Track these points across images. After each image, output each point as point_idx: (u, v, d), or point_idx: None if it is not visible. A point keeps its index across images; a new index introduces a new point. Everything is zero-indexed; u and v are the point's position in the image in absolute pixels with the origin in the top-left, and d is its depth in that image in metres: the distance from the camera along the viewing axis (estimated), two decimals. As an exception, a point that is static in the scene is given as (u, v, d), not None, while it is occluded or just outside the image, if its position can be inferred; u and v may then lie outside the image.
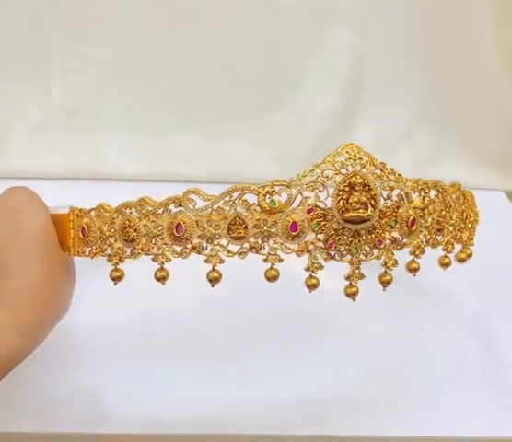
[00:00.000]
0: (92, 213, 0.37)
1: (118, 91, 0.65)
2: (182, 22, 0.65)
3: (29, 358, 0.37)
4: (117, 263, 0.36)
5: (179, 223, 0.34)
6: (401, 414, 0.46)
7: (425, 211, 0.37)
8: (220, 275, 0.35)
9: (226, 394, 0.46)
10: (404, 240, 0.37)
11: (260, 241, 0.35)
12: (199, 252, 0.35)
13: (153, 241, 0.35)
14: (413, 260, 0.38)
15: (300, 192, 0.35)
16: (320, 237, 0.35)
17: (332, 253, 0.35)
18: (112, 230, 0.36)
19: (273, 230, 0.34)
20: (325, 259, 0.35)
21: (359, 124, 0.71)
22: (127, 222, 0.36)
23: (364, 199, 0.35)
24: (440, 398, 0.47)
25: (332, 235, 0.35)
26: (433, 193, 0.38)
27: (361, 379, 0.49)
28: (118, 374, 0.47)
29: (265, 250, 0.35)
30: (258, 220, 0.34)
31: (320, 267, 0.35)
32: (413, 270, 0.38)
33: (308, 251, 0.35)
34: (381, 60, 0.69)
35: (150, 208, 0.35)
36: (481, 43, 0.67)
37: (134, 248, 0.36)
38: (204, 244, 0.35)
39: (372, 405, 0.46)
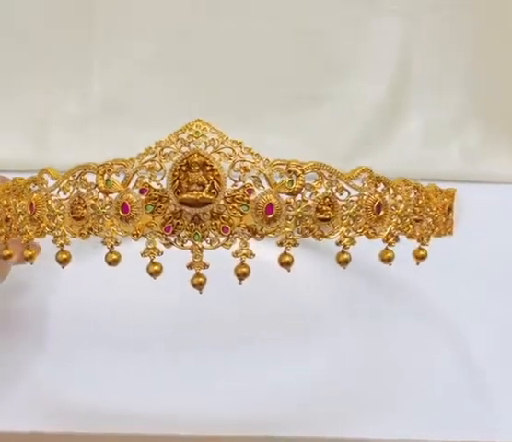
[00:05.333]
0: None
1: (158, 85, 0.66)
2: (223, 13, 0.64)
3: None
4: (4, 242, 0.38)
5: (31, 202, 0.35)
6: (373, 417, 0.43)
7: (296, 197, 0.33)
8: (69, 256, 0.34)
9: (214, 392, 0.45)
10: (264, 229, 0.33)
11: (97, 222, 0.33)
12: (47, 233, 0.35)
13: (19, 220, 0.36)
14: (285, 253, 0.33)
15: (136, 172, 0.33)
16: (158, 220, 0.33)
17: (172, 239, 0.33)
18: None
19: (107, 211, 0.33)
20: (164, 244, 0.33)
21: (407, 115, 0.66)
22: (4, 201, 0.37)
23: (200, 179, 0.32)
24: (413, 401, 0.44)
25: (170, 218, 0.33)
26: (312, 178, 0.33)
27: (337, 382, 0.46)
28: (110, 369, 0.47)
29: (103, 232, 0.33)
30: (95, 200, 0.33)
31: (158, 252, 0.33)
32: (285, 264, 0.33)
33: (144, 235, 0.33)
34: (430, 49, 0.65)
35: (18, 188, 0.36)
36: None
37: (9, 226, 0.37)
38: (53, 224, 0.35)
39: (344, 408, 0.44)
